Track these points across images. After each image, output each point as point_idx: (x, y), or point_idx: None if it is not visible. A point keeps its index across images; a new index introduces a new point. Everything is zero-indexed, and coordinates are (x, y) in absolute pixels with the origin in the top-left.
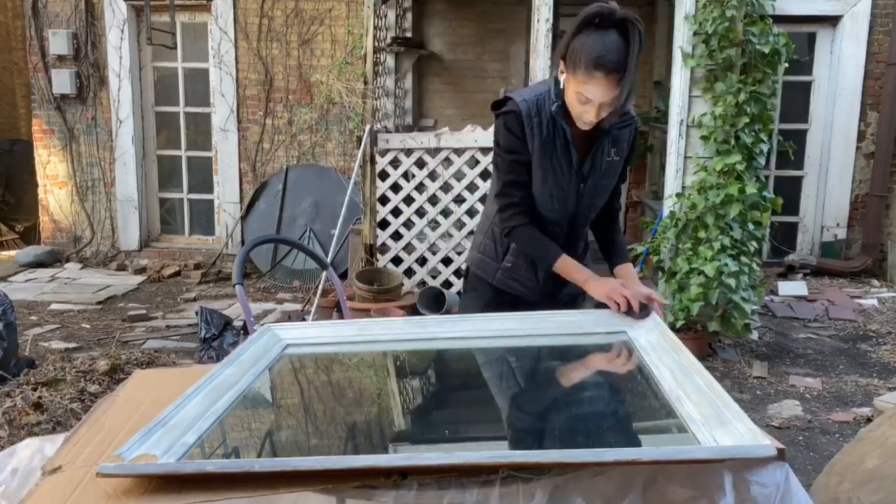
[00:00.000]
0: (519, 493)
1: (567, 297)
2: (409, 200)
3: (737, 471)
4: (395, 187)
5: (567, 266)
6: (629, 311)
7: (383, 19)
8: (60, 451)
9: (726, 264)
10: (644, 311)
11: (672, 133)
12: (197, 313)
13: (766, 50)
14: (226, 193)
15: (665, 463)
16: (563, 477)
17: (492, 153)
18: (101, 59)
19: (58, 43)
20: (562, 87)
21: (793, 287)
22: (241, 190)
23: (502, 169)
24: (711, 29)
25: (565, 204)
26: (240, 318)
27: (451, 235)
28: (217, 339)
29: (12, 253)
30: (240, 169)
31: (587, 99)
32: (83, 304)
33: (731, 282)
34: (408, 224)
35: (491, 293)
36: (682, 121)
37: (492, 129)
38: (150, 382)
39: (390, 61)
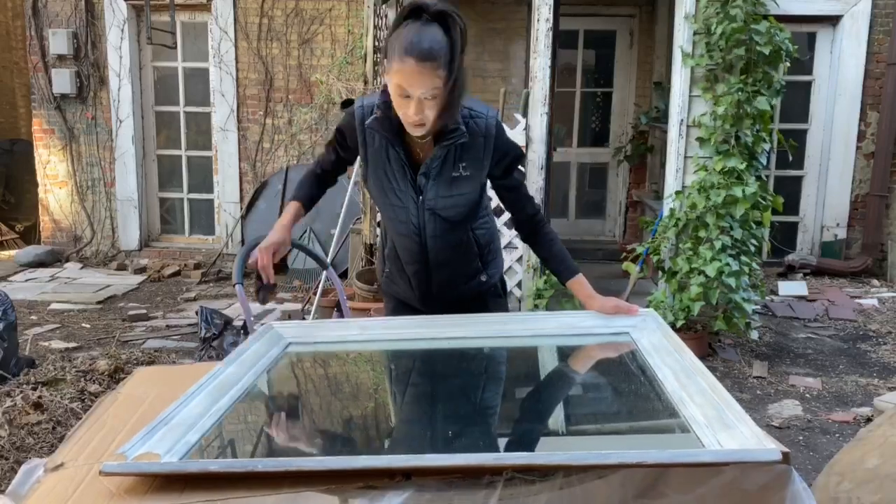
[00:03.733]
0: (523, 494)
1: (457, 298)
2: None
3: (741, 474)
4: None
5: (286, 211)
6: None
7: (383, 19)
8: (62, 448)
9: (727, 264)
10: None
11: (672, 133)
12: (197, 313)
13: (768, 50)
14: (226, 193)
15: (669, 466)
16: (567, 479)
17: None
18: (101, 59)
19: (58, 42)
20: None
21: (793, 287)
22: (241, 189)
23: (329, 141)
24: (720, 30)
25: (410, 216)
26: (240, 317)
27: None
28: (217, 338)
29: (12, 252)
30: (240, 168)
31: (402, 90)
32: (83, 304)
33: (732, 281)
34: None
35: (386, 298)
36: (682, 120)
37: None
38: (151, 380)
39: None
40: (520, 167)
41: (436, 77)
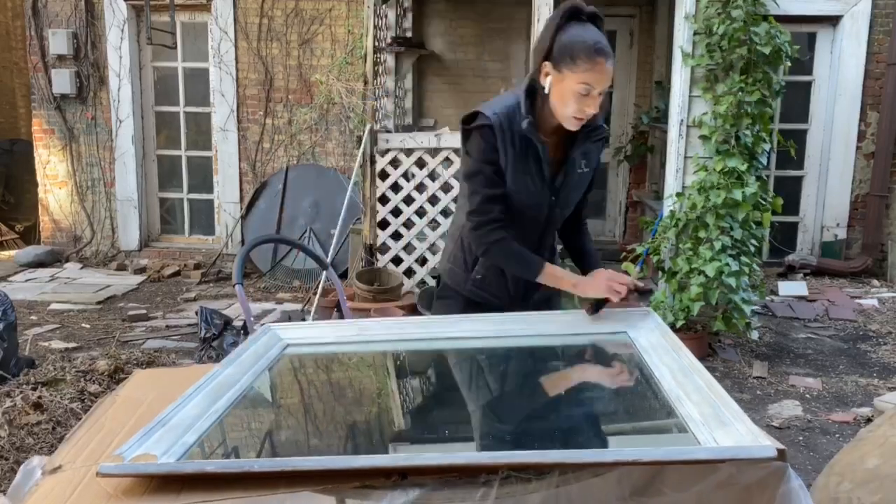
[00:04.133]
0: (519, 493)
1: (541, 298)
2: (409, 200)
3: (737, 471)
4: (395, 187)
5: (553, 274)
6: (628, 297)
7: (383, 19)
8: (61, 450)
9: (727, 264)
10: (645, 292)
11: (672, 133)
12: (197, 313)
13: (768, 50)
14: (226, 193)
15: (665, 463)
16: (563, 477)
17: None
18: (101, 59)
19: (58, 43)
20: (546, 91)
21: (793, 287)
22: (241, 190)
23: (480, 182)
24: (720, 30)
25: (537, 218)
26: (240, 317)
27: None
28: (217, 338)
29: (12, 253)
30: (240, 169)
31: (589, 89)
32: (83, 304)
33: (732, 282)
34: (408, 224)
35: (462, 303)
36: (682, 121)
37: None
38: (150, 382)
39: (390, 61)
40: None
41: (612, 74)
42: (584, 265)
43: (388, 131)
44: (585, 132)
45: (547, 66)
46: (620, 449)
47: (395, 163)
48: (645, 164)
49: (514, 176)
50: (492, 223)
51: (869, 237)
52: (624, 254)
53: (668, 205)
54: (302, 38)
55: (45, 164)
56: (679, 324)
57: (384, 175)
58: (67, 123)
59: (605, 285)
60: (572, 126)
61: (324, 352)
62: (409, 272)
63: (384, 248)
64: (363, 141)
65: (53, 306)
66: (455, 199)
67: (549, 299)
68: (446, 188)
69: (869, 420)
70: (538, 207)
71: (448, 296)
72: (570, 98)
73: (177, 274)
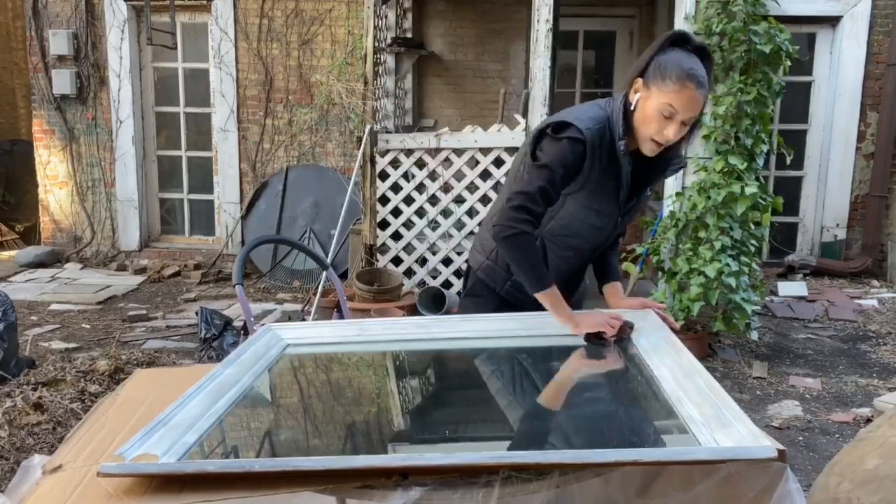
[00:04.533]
0: (520, 493)
1: (575, 305)
2: (409, 201)
3: (737, 472)
4: (396, 187)
5: (554, 296)
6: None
7: (383, 19)
8: (61, 450)
9: (727, 264)
10: (631, 329)
11: None
12: (197, 313)
13: (768, 51)
14: (226, 193)
15: (666, 464)
16: (564, 478)
17: (515, 156)
18: (101, 60)
19: (58, 43)
20: (633, 107)
21: (793, 287)
22: (241, 190)
23: (545, 177)
24: (721, 30)
25: (600, 235)
26: (240, 318)
27: (451, 236)
28: (217, 339)
29: (12, 253)
30: (240, 169)
31: (672, 112)
32: (83, 305)
33: (732, 282)
34: (408, 224)
35: (496, 303)
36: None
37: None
38: (150, 382)
39: (390, 61)
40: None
41: (701, 105)
42: (604, 276)
43: (388, 132)
44: (666, 160)
45: (639, 82)
46: (621, 449)
47: (395, 163)
48: None
49: (592, 193)
50: (531, 213)
51: (869, 237)
52: (624, 254)
53: (668, 205)
54: (302, 39)
55: (46, 164)
56: (679, 324)
57: (384, 175)
58: (68, 124)
59: (598, 323)
60: (648, 150)
61: (324, 352)
62: (409, 272)
63: (384, 249)
64: (363, 141)
65: (54, 307)
66: (455, 200)
67: (576, 301)
68: (446, 189)
69: (869, 420)
70: (604, 227)
71: (480, 294)
72: (652, 118)
73: (177, 274)
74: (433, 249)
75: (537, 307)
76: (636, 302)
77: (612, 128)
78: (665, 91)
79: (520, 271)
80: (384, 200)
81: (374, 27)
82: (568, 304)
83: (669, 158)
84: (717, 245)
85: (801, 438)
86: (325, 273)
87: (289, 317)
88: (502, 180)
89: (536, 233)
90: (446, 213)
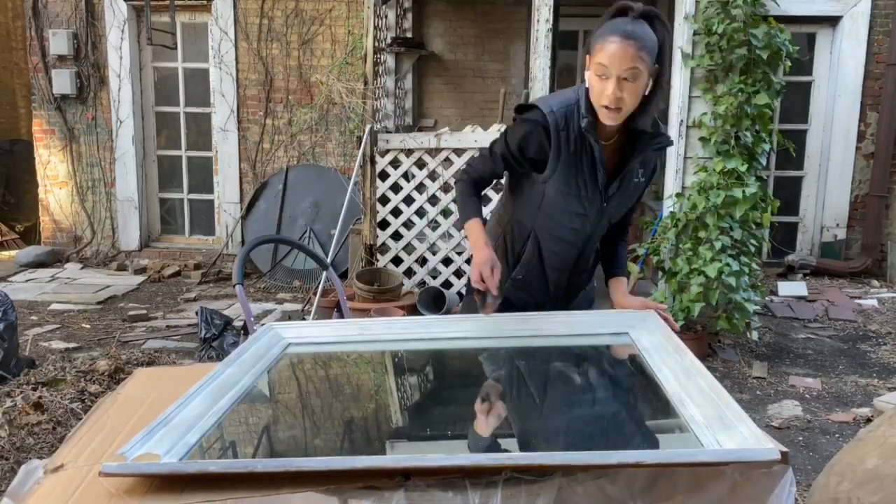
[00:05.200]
0: (522, 494)
1: (580, 303)
2: (409, 200)
3: (740, 474)
4: (396, 187)
5: (474, 230)
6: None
7: (383, 19)
8: (62, 450)
9: (727, 264)
10: (489, 299)
11: (672, 133)
12: (197, 313)
13: (768, 51)
14: (226, 193)
15: (669, 466)
16: (567, 479)
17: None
18: (101, 60)
19: (58, 43)
20: (586, 84)
21: (793, 287)
22: (241, 190)
23: (493, 147)
24: (721, 30)
25: (586, 223)
26: (240, 318)
27: (451, 235)
28: (217, 339)
29: (12, 253)
30: (240, 169)
31: (605, 70)
32: (83, 304)
33: (732, 282)
34: (408, 224)
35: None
36: (682, 121)
37: (492, 129)
38: (151, 381)
39: (390, 61)
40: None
41: (637, 58)
42: (610, 266)
43: (388, 132)
44: (647, 138)
45: (587, 60)
46: (624, 451)
47: (395, 163)
48: None
49: (566, 177)
50: (470, 169)
51: (868, 237)
52: None
53: (668, 205)
54: (302, 39)
55: (46, 164)
56: (679, 324)
57: (384, 175)
58: (68, 124)
59: (486, 273)
60: (605, 118)
61: (325, 351)
62: (409, 272)
63: (384, 249)
64: (363, 141)
65: (54, 306)
66: (455, 200)
67: (580, 300)
68: (446, 188)
69: (868, 420)
70: (586, 213)
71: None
72: (594, 83)
73: (177, 274)
74: (433, 249)
75: (540, 306)
76: (637, 302)
77: (580, 109)
78: (595, 53)
79: (457, 211)
80: (384, 200)
81: (374, 27)
82: (566, 305)
83: (651, 136)
84: (718, 245)
85: (800, 438)
86: (325, 273)
87: (289, 317)
88: (502, 180)
89: (528, 226)
90: (446, 212)
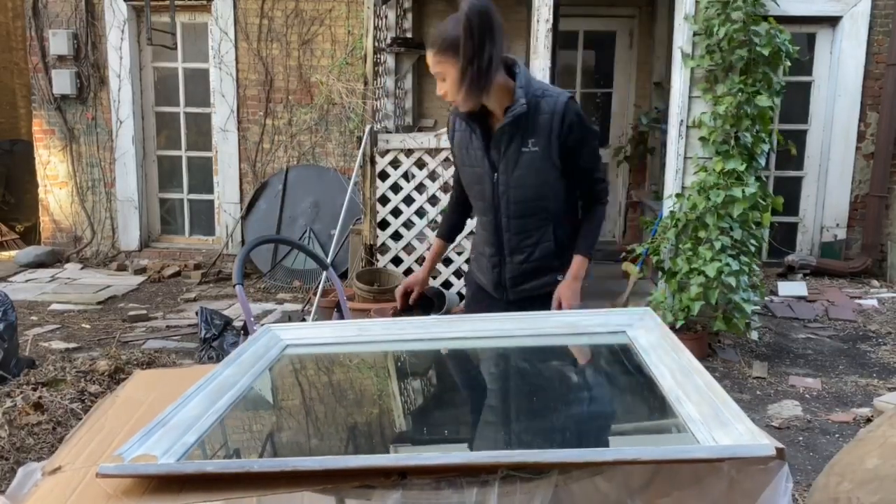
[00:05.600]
0: (518, 492)
1: (531, 293)
2: (409, 201)
3: (736, 470)
4: (395, 188)
5: (432, 249)
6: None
7: (383, 19)
8: (60, 451)
9: (727, 264)
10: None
11: (672, 133)
12: (197, 313)
13: (768, 51)
14: (226, 193)
15: (665, 462)
16: (563, 476)
17: None
18: (101, 60)
19: (58, 43)
20: None
21: (793, 287)
22: (241, 190)
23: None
24: (721, 31)
25: (483, 194)
26: (240, 318)
27: None
28: (217, 339)
29: (12, 253)
30: (240, 169)
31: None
32: (83, 305)
33: (732, 282)
34: (408, 224)
35: (472, 283)
36: (682, 121)
37: None
38: (150, 382)
39: (390, 61)
40: (595, 150)
41: (438, 63)
42: (575, 244)
43: (388, 132)
44: (508, 112)
45: None
46: (620, 448)
47: (395, 163)
48: (645, 164)
49: (459, 155)
50: (455, 179)
51: (868, 237)
52: (624, 254)
53: (668, 205)
54: (302, 39)
55: (46, 164)
56: (679, 324)
57: (384, 175)
58: (68, 124)
59: (399, 292)
60: (460, 106)
61: (324, 352)
62: (409, 272)
63: (384, 249)
64: (363, 141)
65: (54, 307)
66: None
67: (546, 296)
68: (446, 188)
69: (868, 420)
70: (482, 186)
71: (468, 278)
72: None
73: (177, 274)
74: None
75: (488, 289)
76: (556, 297)
77: None
78: None
79: (484, 249)
80: (384, 200)
81: (374, 27)
82: (518, 287)
83: (508, 109)
84: (717, 245)
85: (801, 438)
86: (325, 273)
87: (289, 317)
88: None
89: (473, 205)
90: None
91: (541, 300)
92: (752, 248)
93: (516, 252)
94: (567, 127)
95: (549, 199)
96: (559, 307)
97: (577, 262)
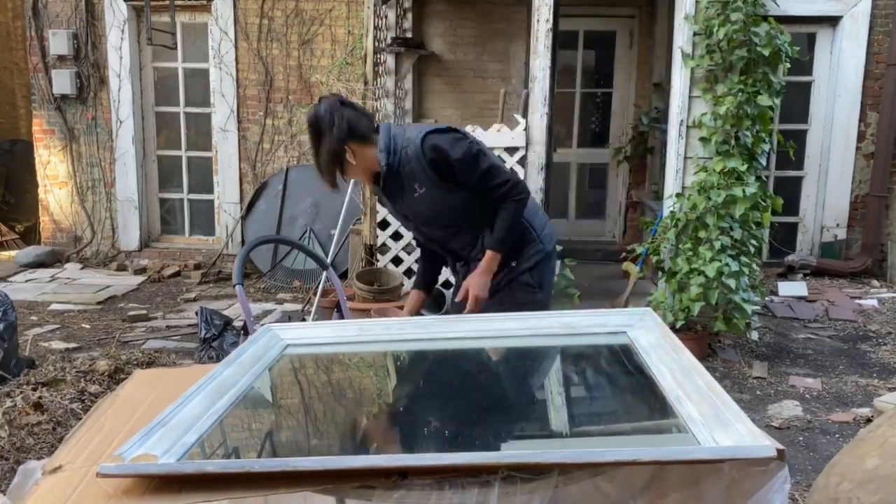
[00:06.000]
0: (518, 493)
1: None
2: None
3: (736, 471)
4: None
5: (411, 302)
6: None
7: (383, 19)
8: (61, 450)
9: (727, 264)
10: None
11: (672, 133)
12: (197, 313)
13: (768, 51)
14: (226, 193)
15: (665, 463)
16: (564, 477)
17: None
18: (101, 60)
19: (58, 43)
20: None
21: (793, 287)
22: (241, 190)
23: None
24: (721, 32)
25: (408, 222)
26: (240, 318)
27: None
28: (217, 339)
29: (12, 253)
30: (240, 169)
31: None
32: (83, 305)
33: (732, 282)
34: None
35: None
36: (682, 121)
37: (492, 129)
38: (150, 382)
39: (390, 62)
40: (474, 166)
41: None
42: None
43: None
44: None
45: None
46: (620, 449)
47: None
48: (645, 164)
49: (383, 206)
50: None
51: (869, 237)
52: (624, 254)
53: (668, 205)
54: (302, 39)
55: (46, 164)
56: (679, 324)
57: None
58: (68, 124)
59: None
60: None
61: (324, 352)
62: (409, 272)
63: (384, 249)
64: None
65: (54, 307)
66: None
67: (505, 285)
68: None
69: (869, 420)
70: (406, 224)
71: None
72: None
73: (177, 274)
74: None
75: (540, 306)
76: (465, 285)
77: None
78: None
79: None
80: None
81: (374, 27)
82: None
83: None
84: (717, 245)
85: (801, 438)
86: (325, 273)
87: (289, 317)
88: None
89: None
90: None
91: (504, 290)
92: (753, 249)
93: (470, 260)
94: (430, 164)
95: (464, 215)
96: (466, 295)
97: (487, 257)
